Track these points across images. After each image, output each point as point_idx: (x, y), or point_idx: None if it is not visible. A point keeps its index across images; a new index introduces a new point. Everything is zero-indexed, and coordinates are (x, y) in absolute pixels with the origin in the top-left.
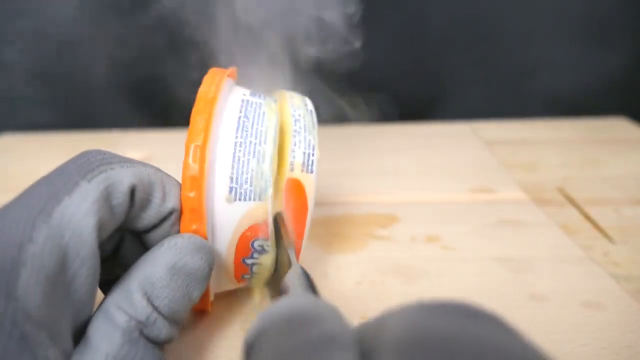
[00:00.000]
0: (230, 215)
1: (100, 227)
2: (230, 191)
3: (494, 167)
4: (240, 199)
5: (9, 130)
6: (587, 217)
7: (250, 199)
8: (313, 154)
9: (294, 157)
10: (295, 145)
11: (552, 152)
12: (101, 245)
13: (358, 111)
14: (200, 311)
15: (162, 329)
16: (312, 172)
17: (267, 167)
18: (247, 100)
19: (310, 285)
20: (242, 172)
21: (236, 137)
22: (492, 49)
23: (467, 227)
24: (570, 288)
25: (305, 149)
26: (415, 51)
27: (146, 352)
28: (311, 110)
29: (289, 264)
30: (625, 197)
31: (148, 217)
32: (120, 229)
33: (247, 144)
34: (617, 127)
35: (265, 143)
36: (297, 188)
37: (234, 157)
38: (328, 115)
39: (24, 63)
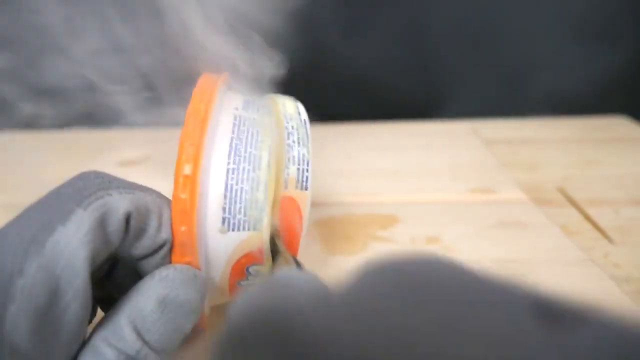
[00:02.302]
0: (224, 246)
1: (93, 256)
2: (224, 222)
3: (494, 167)
4: (234, 230)
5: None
6: (587, 218)
7: (244, 229)
8: (307, 170)
9: (287, 174)
10: (289, 161)
11: (552, 152)
12: (94, 270)
13: (357, 110)
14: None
15: None
16: (306, 189)
17: (262, 195)
18: (240, 117)
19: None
20: (236, 202)
21: (228, 164)
22: (492, 48)
23: (467, 228)
24: (570, 290)
25: (299, 164)
26: (415, 51)
27: None
28: (305, 120)
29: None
30: (625, 197)
31: (142, 246)
32: (113, 254)
33: (240, 171)
34: (618, 126)
35: (259, 169)
36: (291, 206)
37: (226, 186)
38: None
39: None
